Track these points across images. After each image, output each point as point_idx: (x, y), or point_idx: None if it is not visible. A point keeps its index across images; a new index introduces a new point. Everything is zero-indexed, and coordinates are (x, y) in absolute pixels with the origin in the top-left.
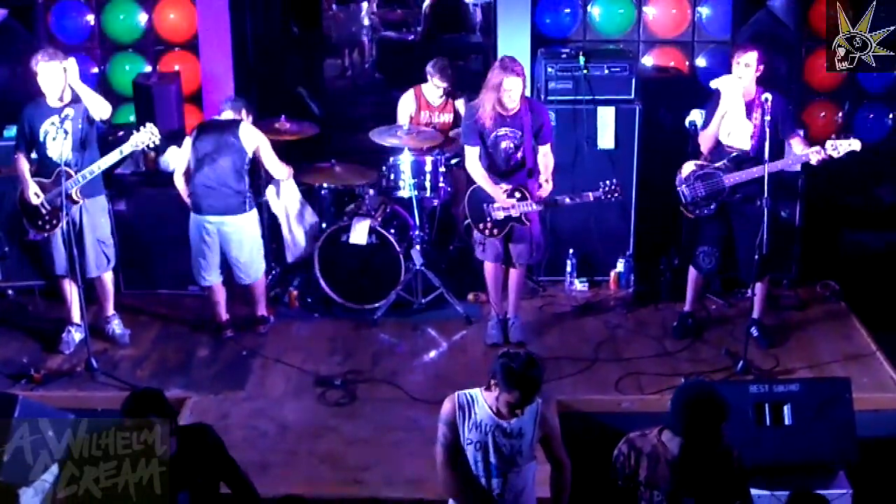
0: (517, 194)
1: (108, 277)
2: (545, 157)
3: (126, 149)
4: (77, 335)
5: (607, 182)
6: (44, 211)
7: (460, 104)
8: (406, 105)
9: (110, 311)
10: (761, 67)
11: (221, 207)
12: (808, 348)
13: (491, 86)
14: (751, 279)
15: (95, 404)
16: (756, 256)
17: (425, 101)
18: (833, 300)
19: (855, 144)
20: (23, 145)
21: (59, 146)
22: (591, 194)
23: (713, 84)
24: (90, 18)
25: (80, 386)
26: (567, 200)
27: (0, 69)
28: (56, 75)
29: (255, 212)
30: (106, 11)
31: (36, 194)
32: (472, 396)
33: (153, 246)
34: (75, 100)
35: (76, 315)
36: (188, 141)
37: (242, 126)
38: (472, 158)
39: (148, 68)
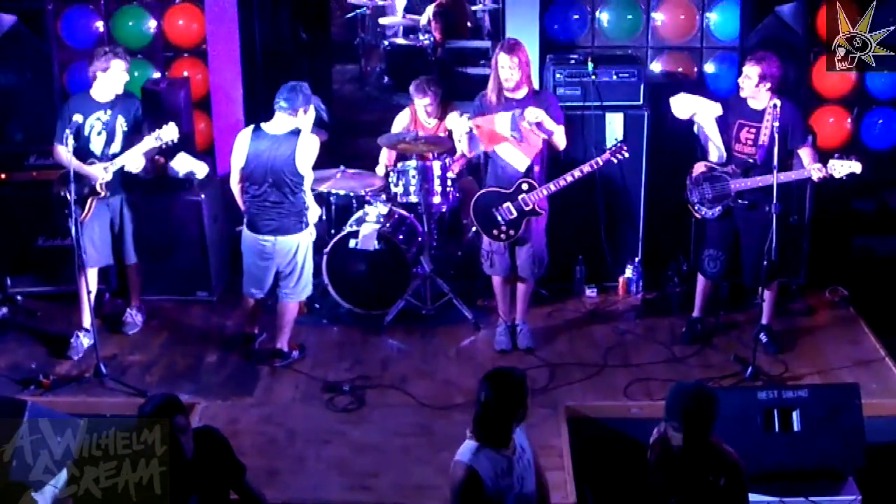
0: (524, 186)
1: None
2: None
3: (150, 142)
4: (86, 340)
5: (614, 141)
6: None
7: (453, 118)
8: (401, 122)
9: (136, 301)
10: (766, 83)
11: (277, 227)
12: (816, 354)
13: (493, 67)
14: (756, 285)
15: (104, 410)
16: (765, 262)
17: (419, 120)
18: (842, 306)
19: (855, 167)
20: (64, 137)
21: (101, 141)
22: (599, 159)
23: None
24: (99, 24)
25: (88, 391)
26: (577, 174)
27: (9, 75)
28: (121, 75)
29: (311, 229)
30: (115, 17)
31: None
32: (483, 454)
33: (162, 252)
34: (122, 98)
35: (86, 320)
36: (241, 147)
37: (300, 144)
38: None
39: (157, 74)
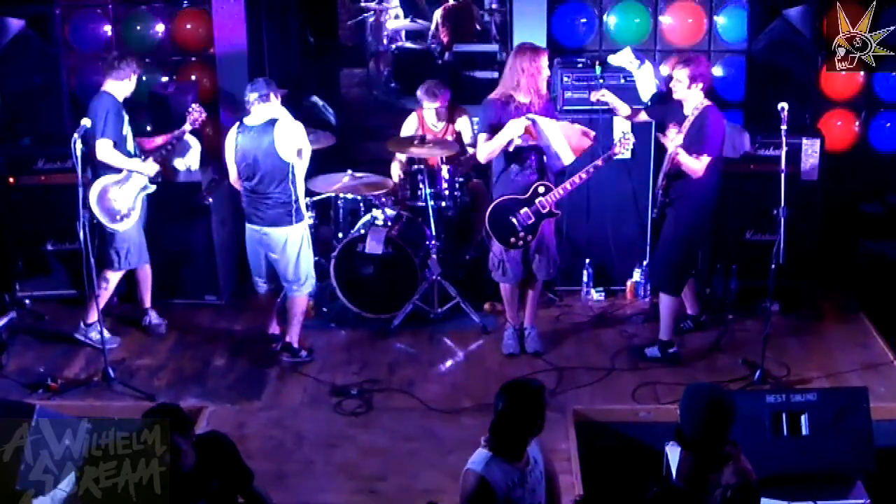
0: (541, 189)
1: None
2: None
3: (187, 127)
4: (95, 335)
5: (621, 135)
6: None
7: (463, 122)
8: (409, 127)
9: (148, 302)
10: (697, 84)
11: (265, 219)
12: (825, 357)
13: (529, 71)
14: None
15: (112, 413)
16: (773, 265)
17: (426, 124)
18: (850, 309)
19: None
20: (114, 136)
21: (131, 140)
22: (609, 153)
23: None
24: (108, 29)
25: (96, 395)
26: (591, 170)
27: (18, 79)
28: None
29: (302, 223)
30: (123, 22)
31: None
32: (496, 464)
33: (169, 256)
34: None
35: (93, 316)
36: (230, 144)
37: (277, 130)
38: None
39: (165, 78)
